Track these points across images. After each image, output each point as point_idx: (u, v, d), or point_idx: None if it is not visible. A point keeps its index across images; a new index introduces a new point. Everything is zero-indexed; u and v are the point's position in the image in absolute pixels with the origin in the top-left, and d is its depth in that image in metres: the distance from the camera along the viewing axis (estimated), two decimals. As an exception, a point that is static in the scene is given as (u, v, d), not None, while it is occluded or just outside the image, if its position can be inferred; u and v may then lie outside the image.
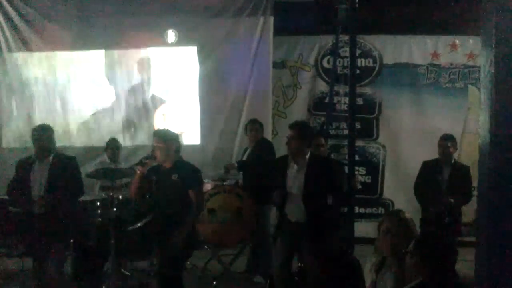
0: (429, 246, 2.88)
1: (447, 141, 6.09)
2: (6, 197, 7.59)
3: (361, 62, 8.14)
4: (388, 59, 8.27)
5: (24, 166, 5.28)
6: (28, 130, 8.16)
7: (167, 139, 4.88)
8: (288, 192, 5.03)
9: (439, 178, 6.00)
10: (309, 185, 4.93)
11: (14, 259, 7.11)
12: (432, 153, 6.27)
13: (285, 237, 5.14)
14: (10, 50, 8.25)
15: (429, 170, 6.16)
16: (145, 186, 4.97)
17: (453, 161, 6.11)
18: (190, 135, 8.18)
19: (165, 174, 4.86)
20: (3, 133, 8.43)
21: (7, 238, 7.53)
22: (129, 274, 6.22)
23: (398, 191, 7.99)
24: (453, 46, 8.22)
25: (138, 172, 4.87)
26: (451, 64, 8.20)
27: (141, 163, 4.87)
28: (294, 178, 5.02)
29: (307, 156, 5.03)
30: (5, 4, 8.12)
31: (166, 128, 5.45)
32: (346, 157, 7.47)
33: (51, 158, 5.24)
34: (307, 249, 4.90)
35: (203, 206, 5.61)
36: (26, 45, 8.22)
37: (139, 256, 6.16)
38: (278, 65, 8.28)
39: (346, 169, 6.19)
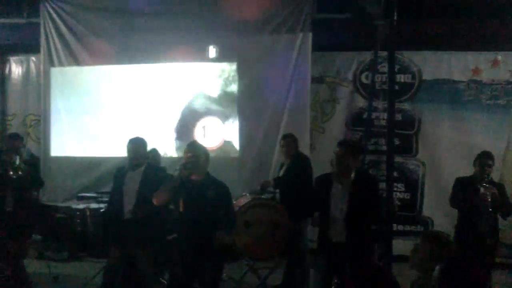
0: (455, 277, 2.87)
1: (485, 159, 5.94)
2: (54, 203, 8.04)
3: (400, 77, 8.12)
4: (427, 75, 8.22)
5: (119, 176, 5.50)
6: (74, 141, 8.61)
7: (198, 152, 4.83)
8: (330, 211, 4.91)
9: (475, 196, 5.83)
10: (353, 206, 4.82)
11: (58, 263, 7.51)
12: (473, 170, 6.10)
13: (325, 257, 5.03)
14: (61, 64, 8.66)
15: (462, 187, 6.03)
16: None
17: (488, 179, 5.91)
18: (229, 148, 8.32)
19: (196, 188, 4.76)
20: (52, 142, 8.76)
21: (53, 243, 7.94)
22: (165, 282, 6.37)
23: (438, 209, 7.88)
24: (495, 62, 8.10)
25: (173, 183, 4.79)
26: (493, 81, 8.09)
27: (182, 168, 4.73)
28: (338, 198, 4.89)
29: (352, 175, 4.93)
30: (58, 21, 8.56)
31: (199, 142, 5.47)
32: (384, 173, 7.59)
33: (143, 168, 5.43)
34: (346, 268, 4.91)
35: (235, 222, 5.63)
36: (75, 59, 8.61)
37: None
38: (317, 80, 8.32)
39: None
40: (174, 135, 8.46)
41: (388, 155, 6.37)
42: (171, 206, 5.13)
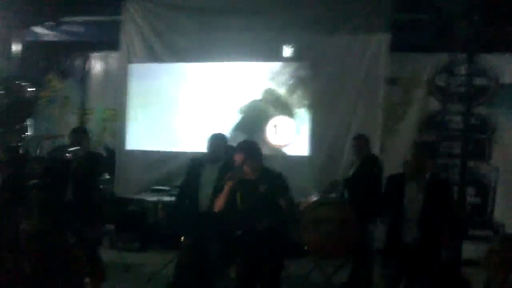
0: None
1: None
2: (127, 196, 8.28)
3: (475, 80, 7.92)
4: (506, 79, 8.02)
5: (194, 168, 5.68)
6: (149, 135, 8.89)
7: (251, 150, 4.89)
8: (403, 213, 4.91)
9: None
10: (427, 208, 4.81)
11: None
12: None
13: (395, 259, 5.06)
14: (140, 60, 8.93)
15: None
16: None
17: None
18: (299, 146, 8.37)
19: (251, 184, 4.78)
20: (127, 136, 9.07)
21: (126, 233, 8.22)
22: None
23: (510, 214, 7.72)
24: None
25: (227, 185, 4.83)
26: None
27: (232, 175, 4.83)
28: (412, 199, 4.90)
29: (427, 177, 4.93)
30: (138, 18, 8.83)
31: (247, 139, 5.56)
32: (455, 177, 7.49)
33: (221, 163, 5.53)
34: (418, 271, 4.89)
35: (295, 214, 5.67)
36: (154, 56, 8.86)
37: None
38: (391, 81, 8.24)
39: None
40: (245, 132, 8.54)
41: (463, 159, 6.32)
42: None
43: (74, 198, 6.08)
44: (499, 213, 8.04)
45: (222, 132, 5.78)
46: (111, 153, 9.27)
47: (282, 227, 4.84)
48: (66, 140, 7.86)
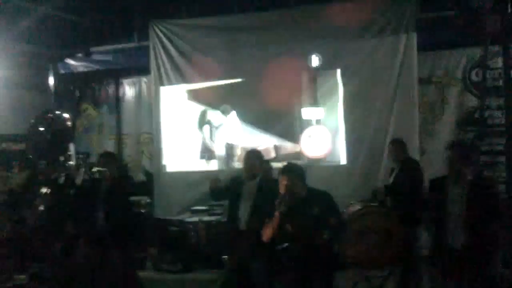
0: None
1: None
2: (168, 217, 8.33)
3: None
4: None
5: (235, 186, 5.72)
6: (185, 156, 8.95)
7: (293, 178, 4.84)
8: (447, 216, 4.78)
9: None
10: (472, 210, 4.65)
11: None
12: None
13: (441, 264, 4.94)
14: (170, 82, 9.06)
15: None
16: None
17: None
18: (337, 155, 8.28)
19: (300, 207, 4.78)
20: (164, 158, 9.15)
21: (166, 255, 8.25)
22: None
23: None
24: None
25: (277, 216, 4.78)
26: None
27: (281, 204, 4.76)
28: (455, 201, 4.75)
29: (468, 177, 4.76)
30: (166, 41, 8.98)
31: (290, 164, 5.43)
32: (500, 175, 7.25)
33: (258, 180, 5.62)
34: (466, 277, 4.76)
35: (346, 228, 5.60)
36: (183, 78, 8.98)
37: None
38: (424, 81, 8.11)
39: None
40: (281, 146, 8.54)
41: (508, 156, 6.10)
42: None
43: (108, 222, 6.18)
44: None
45: (258, 148, 5.77)
46: (149, 176, 9.36)
47: (331, 243, 4.82)
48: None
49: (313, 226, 4.69)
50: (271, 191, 5.32)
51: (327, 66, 8.21)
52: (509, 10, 5.89)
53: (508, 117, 6.29)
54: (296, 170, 4.96)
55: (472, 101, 8.05)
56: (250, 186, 5.58)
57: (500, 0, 6.30)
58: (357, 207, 6.84)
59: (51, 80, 9.67)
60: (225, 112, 8.79)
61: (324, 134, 8.34)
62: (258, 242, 5.26)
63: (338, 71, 8.21)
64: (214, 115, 8.91)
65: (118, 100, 10.05)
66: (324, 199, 4.83)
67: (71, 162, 8.44)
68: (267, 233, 4.93)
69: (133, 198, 7.22)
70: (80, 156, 8.48)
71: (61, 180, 7.50)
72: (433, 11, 7.81)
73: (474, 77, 8.03)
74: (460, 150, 4.84)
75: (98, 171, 6.12)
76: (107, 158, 6.52)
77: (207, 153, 8.98)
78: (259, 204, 5.37)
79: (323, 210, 4.71)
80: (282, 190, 4.80)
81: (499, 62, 7.58)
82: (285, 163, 5.43)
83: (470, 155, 4.87)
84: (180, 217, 8.42)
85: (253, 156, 5.73)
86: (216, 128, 8.93)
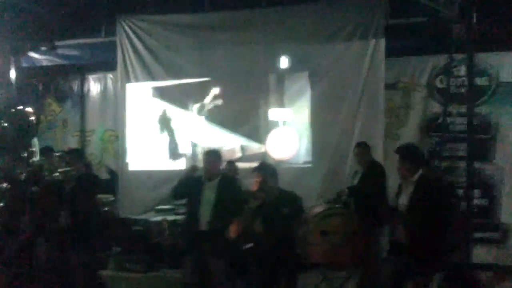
0: None
1: None
2: (132, 217, 8.25)
3: (475, 80, 7.89)
4: (505, 77, 7.94)
5: (195, 186, 5.67)
6: (150, 155, 8.87)
7: (268, 175, 5.01)
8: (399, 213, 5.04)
9: None
10: (411, 207, 4.91)
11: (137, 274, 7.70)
12: None
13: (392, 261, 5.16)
14: (137, 79, 8.95)
15: None
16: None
17: None
18: (302, 157, 8.33)
19: (271, 207, 4.93)
20: (129, 157, 9.06)
21: (131, 255, 8.16)
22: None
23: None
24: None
25: (247, 212, 4.98)
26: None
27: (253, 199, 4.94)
28: (403, 200, 5.03)
29: (416, 178, 5.00)
30: (134, 38, 8.87)
31: (264, 162, 5.64)
32: (461, 179, 7.41)
33: (218, 179, 5.61)
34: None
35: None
36: (150, 75, 8.88)
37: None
38: (390, 86, 8.20)
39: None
40: (247, 146, 8.54)
41: (468, 161, 6.28)
42: None
43: (72, 221, 6.09)
44: (505, 214, 7.89)
45: (217, 148, 5.76)
46: (113, 174, 9.24)
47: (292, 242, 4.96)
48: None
49: (281, 226, 4.77)
50: (232, 190, 5.49)
51: (296, 68, 8.25)
52: (474, 20, 6.03)
53: (469, 124, 6.47)
54: (269, 169, 5.10)
55: (436, 107, 8.18)
56: (210, 186, 5.59)
57: (466, 9, 6.44)
58: (321, 208, 6.93)
59: (13, 74, 9.41)
60: (201, 112, 8.74)
61: (290, 136, 8.39)
62: (220, 242, 5.34)
63: (307, 73, 8.26)
64: (179, 113, 8.86)
65: (82, 96, 9.90)
66: (295, 201, 4.99)
67: (34, 158, 8.27)
68: (235, 230, 5.04)
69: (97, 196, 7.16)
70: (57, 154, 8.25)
71: (23, 176, 7.34)
72: (401, 18, 7.94)
73: (438, 84, 8.18)
74: (401, 153, 5.16)
75: (64, 171, 6.06)
76: (74, 155, 6.43)
77: (173, 152, 8.90)
78: (220, 204, 5.41)
79: (292, 212, 4.83)
80: (254, 187, 4.92)
81: (463, 70, 7.77)
82: (258, 162, 5.47)
83: (410, 157, 5.11)
84: (144, 216, 8.36)
85: (213, 156, 5.73)
86: (182, 126, 8.89)
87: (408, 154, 5.15)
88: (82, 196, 6.16)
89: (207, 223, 5.44)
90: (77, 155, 6.66)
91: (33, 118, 8.51)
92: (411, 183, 5.01)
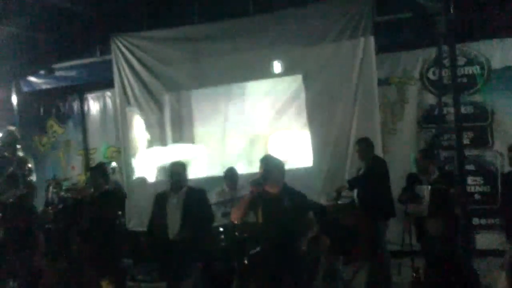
0: None
1: None
2: (138, 228, 8.34)
3: (468, 70, 8.03)
4: (496, 64, 8.02)
5: (160, 200, 5.78)
6: (154, 168, 8.99)
7: (273, 165, 4.91)
8: None
9: None
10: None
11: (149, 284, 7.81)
12: None
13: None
14: (135, 95, 9.06)
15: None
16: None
17: None
18: (303, 158, 8.41)
19: (274, 201, 4.81)
20: (133, 171, 9.21)
21: (141, 266, 8.28)
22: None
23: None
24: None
25: (250, 193, 4.80)
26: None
27: (254, 182, 4.80)
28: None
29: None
30: (128, 55, 9.03)
31: (270, 154, 5.56)
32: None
33: (184, 190, 5.70)
34: None
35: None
36: (148, 90, 9.00)
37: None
38: (383, 82, 8.30)
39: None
40: (248, 152, 8.64)
41: (458, 150, 6.41)
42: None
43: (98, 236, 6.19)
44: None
45: (182, 160, 5.86)
46: (119, 188, 9.35)
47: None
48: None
49: (283, 220, 4.71)
50: (199, 200, 5.58)
51: (289, 71, 8.34)
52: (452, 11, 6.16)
53: (456, 112, 6.58)
54: (273, 161, 5.00)
55: (430, 99, 8.27)
56: (176, 197, 5.65)
57: (447, 2, 6.55)
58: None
59: (14, 99, 9.58)
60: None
61: (289, 138, 8.50)
62: (191, 249, 5.42)
63: (300, 76, 8.37)
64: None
65: (83, 115, 10.04)
66: (297, 196, 4.89)
67: (31, 178, 8.39)
68: (235, 214, 4.99)
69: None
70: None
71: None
72: (388, 14, 8.06)
73: (431, 76, 8.26)
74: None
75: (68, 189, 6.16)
76: (98, 171, 6.56)
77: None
78: (189, 215, 5.49)
79: (294, 207, 4.74)
80: (259, 174, 4.85)
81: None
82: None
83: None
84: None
85: (179, 168, 5.79)
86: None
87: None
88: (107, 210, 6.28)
89: (178, 234, 5.50)
90: (100, 169, 6.77)
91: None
92: None
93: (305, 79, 8.32)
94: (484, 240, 7.28)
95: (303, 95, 8.36)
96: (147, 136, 9.13)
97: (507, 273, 4.37)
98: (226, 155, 8.71)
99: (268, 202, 4.82)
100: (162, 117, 9.02)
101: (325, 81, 8.20)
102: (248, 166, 8.25)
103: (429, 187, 6.06)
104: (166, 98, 8.99)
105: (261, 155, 8.06)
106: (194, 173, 8.50)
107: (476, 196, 8.00)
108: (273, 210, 4.78)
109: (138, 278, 8.12)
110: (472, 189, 8.01)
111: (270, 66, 8.27)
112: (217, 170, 8.20)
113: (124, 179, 9.26)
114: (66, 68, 9.56)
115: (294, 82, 8.44)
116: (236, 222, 5.19)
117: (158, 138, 9.04)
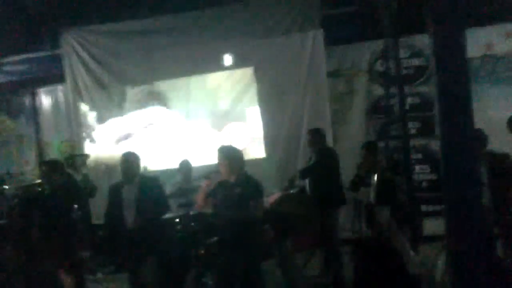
0: None
1: None
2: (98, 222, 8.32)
3: (413, 62, 8.29)
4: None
5: (115, 191, 5.77)
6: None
7: (230, 155, 5.13)
8: None
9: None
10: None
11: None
12: (496, 146, 6.07)
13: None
14: (87, 90, 9.04)
15: None
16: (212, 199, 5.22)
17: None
18: (256, 149, 8.55)
19: (230, 188, 5.08)
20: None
21: (100, 258, 8.27)
22: (210, 282, 6.60)
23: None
24: (509, 34, 8.08)
25: (204, 185, 5.15)
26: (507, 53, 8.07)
27: (207, 177, 5.13)
28: None
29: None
30: (79, 49, 8.97)
31: (229, 145, 5.68)
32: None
33: (137, 180, 5.70)
34: None
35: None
36: (100, 84, 8.98)
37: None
38: (333, 74, 8.47)
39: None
40: (201, 143, 8.72)
41: (404, 139, 6.65)
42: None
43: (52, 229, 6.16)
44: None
45: (134, 151, 5.88)
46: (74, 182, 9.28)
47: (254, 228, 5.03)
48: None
49: (234, 207, 4.94)
50: (153, 188, 5.61)
51: (240, 64, 8.48)
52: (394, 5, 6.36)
53: (401, 103, 6.81)
54: (228, 151, 5.24)
55: (378, 90, 8.47)
56: (130, 188, 5.63)
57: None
58: (276, 196, 7.10)
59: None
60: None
61: (242, 130, 8.64)
62: (148, 237, 5.44)
63: (251, 69, 8.50)
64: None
65: (35, 110, 9.90)
66: (250, 183, 5.10)
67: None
68: (198, 202, 5.40)
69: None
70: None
71: None
72: (337, 7, 8.25)
73: (379, 68, 8.47)
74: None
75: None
76: (50, 166, 6.49)
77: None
78: (143, 204, 5.50)
79: (245, 193, 4.96)
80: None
81: (401, 52, 8.06)
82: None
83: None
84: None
85: (130, 159, 5.76)
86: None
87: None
88: (59, 205, 6.24)
89: (134, 222, 5.49)
90: (53, 165, 6.72)
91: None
92: None
93: (256, 72, 8.46)
94: (432, 226, 7.53)
95: (255, 87, 8.49)
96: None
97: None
98: (180, 147, 8.75)
99: (222, 190, 5.10)
100: (116, 112, 9.00)
101: (276, 74, 8.36)
102: (203, 158, 8.33)
103: (376, 175, 6.27)
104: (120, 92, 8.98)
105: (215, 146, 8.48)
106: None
107: (424, 184, 8.27)
108: (226, 197, 5.05)
109: (96, 269, 8.10)
110: (420, 177, 8.27)
111: (221, 59, 8.38)
112: (173, 163, 8.24)
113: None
114: (15, 62, 9.41)
115: (246, 74, 8.56)
116: (199, 210, 5.44)
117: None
